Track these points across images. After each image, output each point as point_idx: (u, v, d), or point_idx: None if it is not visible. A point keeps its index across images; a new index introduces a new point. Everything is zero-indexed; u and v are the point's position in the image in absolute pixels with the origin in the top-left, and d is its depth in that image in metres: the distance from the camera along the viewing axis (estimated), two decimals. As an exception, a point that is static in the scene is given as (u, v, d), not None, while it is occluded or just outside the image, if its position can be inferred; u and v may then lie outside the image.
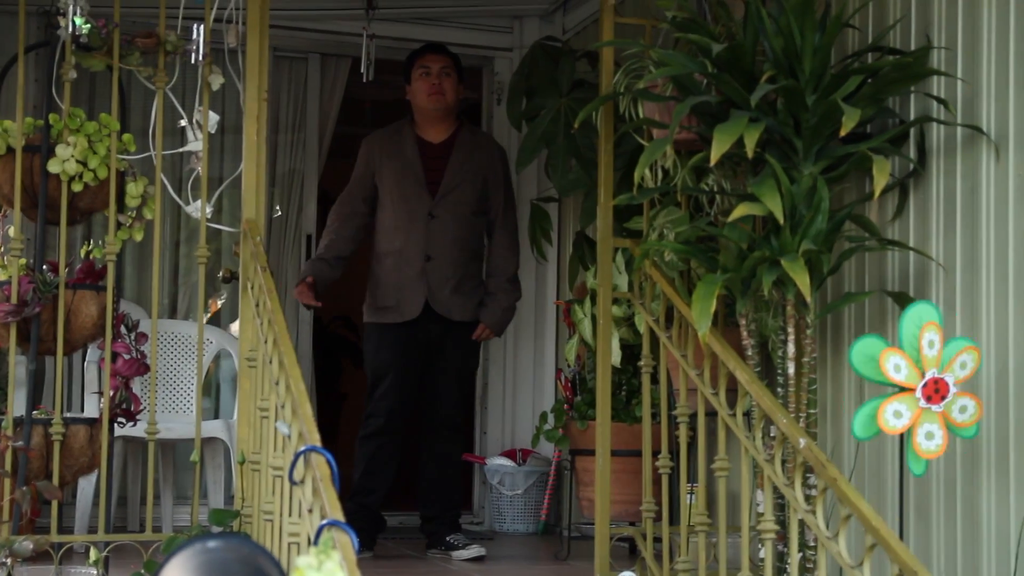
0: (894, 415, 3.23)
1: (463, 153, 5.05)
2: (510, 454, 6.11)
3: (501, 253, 5.18)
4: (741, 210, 3.60)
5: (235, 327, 5.45)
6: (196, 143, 4.14)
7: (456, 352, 5.11)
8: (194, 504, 4.04)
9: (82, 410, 5.49)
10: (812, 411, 3.78)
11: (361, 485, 4.98)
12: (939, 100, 3.78)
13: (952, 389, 3.26)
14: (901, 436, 3.30)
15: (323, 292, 5.06)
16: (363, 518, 4.85)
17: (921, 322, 3.26)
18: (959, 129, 3.74)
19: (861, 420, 3.26)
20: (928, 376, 3.25)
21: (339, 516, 2.61)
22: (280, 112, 6.25)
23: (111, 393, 4.01)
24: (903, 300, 3.69)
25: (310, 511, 2.80)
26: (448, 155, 5.04)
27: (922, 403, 3.26)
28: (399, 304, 4.96)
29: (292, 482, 2.87)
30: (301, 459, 2.83)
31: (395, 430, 5.05)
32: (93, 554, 3.87)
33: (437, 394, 5.11)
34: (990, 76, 3.64)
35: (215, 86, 4.10)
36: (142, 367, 4.07)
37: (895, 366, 3.23)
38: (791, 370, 3.77)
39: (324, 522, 2.55)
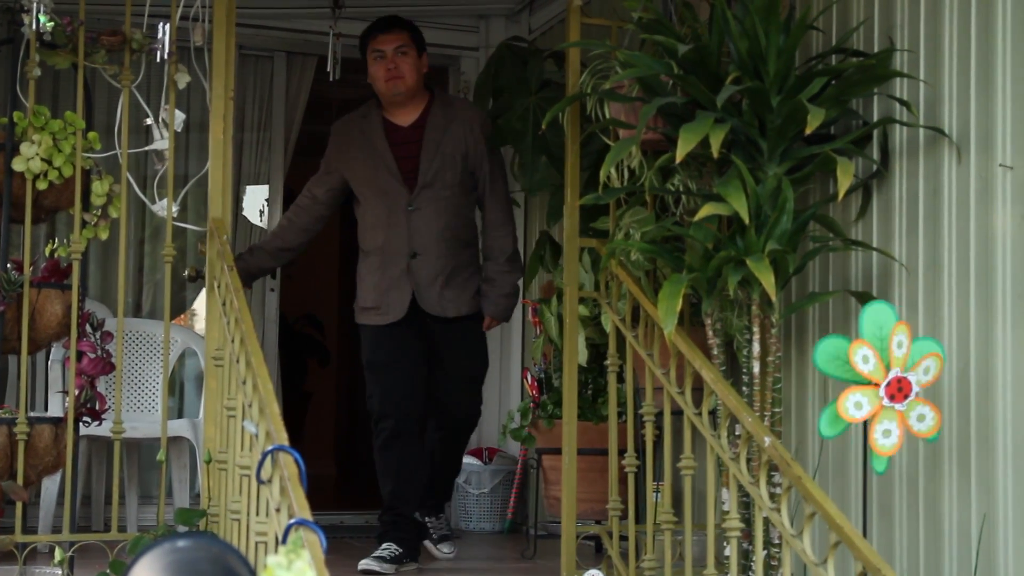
0: (855, 406, 3.26)
1: (436, 132, 4.57)
2: (476, 453, 6.12)
3: (494, 231, 4.74)
4: (707, 210, 3.62)
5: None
6: (162, 142, 4.13)
7: (457, 352, 4.70)
8: (160, 503, 4.03)
9: (46, 409, 5.46)
10: (777, 410, 3.81)
11: (393, 496, 4.59)
12: (902, 102, 3.81)
13: (915, 390, 3.29)
14: (865, 436, 3.34)
15: (249, 283, 4.89)
16: (402, 528, 4.57)
17: (880, 322, 3.29)
18: (921, 131, 3.78)
19: (827, 418, 3.29)
20: (892, 374, 3.29)
21: (307, 515, 2.61)
22: (246, 111, 6.24)
23: (76, 392, 3.99)
24: (866, 300, 3.73)
25: (278, 510, 2.80)
26: (420, 138, 4.58)
27: (885, 401, 3.29)
28: (383, 305, 4.59)
29: (260, 481, 2.87)
30: (269, 458, 2.83)
31: (411, 432, 4.62)
32: (58, 554, 3.85)
33: (446, 399, 4.71)
34: (952, 78, 3.69)
35: (181, 85, 4.09)
36: (107, 366, 4.05)
37: (863, 357, 3.26)
38: (756, 369, 3.80)
39: (292, 521, 2.55)
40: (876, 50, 3.95)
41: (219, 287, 3.76)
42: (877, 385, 3.28)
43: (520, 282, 4.91)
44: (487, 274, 4.71)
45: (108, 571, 3.74)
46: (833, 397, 3.34)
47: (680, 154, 3.52)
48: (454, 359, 4.68)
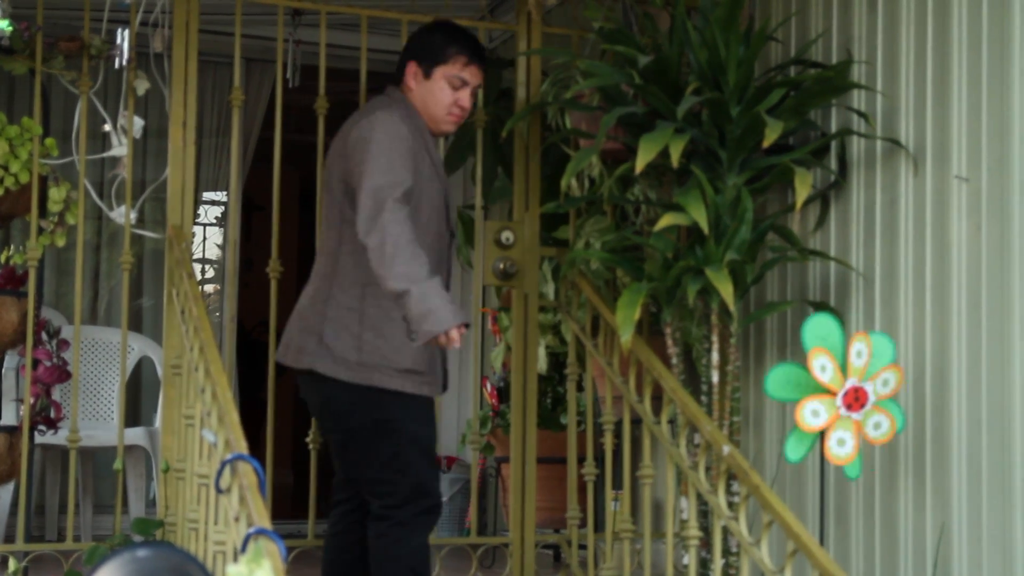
0: (812, 413, 3.29)
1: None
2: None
3: None
4: (667, 220, 3.64)
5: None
6: (120, 148, 4.09)
7: None
8: (116, 513, 4.00)
9: (0, 418, 5.40)
10: (735, 419, 3.83)
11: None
12: (859, 113, 3.85)
13: (871, 399, 3.33)
14: (822, 446, 3.36)
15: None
16: None
17: (823, 334, 3.31)
18: (879, 142, 3.81)
19: (792, 442, 3.31)
20: (849, 384, 3.31)
21: (266, 524, 2.60)
22: (204, 117, 6.21)
23: (32, 400, 3.95)
24: (824, 310, 3.76)
25: (237, 519, 2.78)
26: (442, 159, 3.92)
27: (842, 410, 3.32)
28: (432, 371, 3.58)
29: (219, 490, 2.85)
30: (228, 467, 2.81)
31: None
32: (12, 564, 3.81)
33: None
34: (908, 90, 3.73)
35: (140, 91, 4.07)
36: (63, 374, 4.02)
37: (821, 366, 3.29)
38: (715, 378, 3.82)
39: (251, 530, 2.54)
40: (834, 62, 3.98)
41: (178, 295, 3.74)
42: (834, 394, 3.31)
43: None
44: None
45: (64, 581, 3.71)
46: (790, 412, 3.36)
47: (640, 164, 3.54)
48: None
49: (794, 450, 3.33)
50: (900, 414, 3.39)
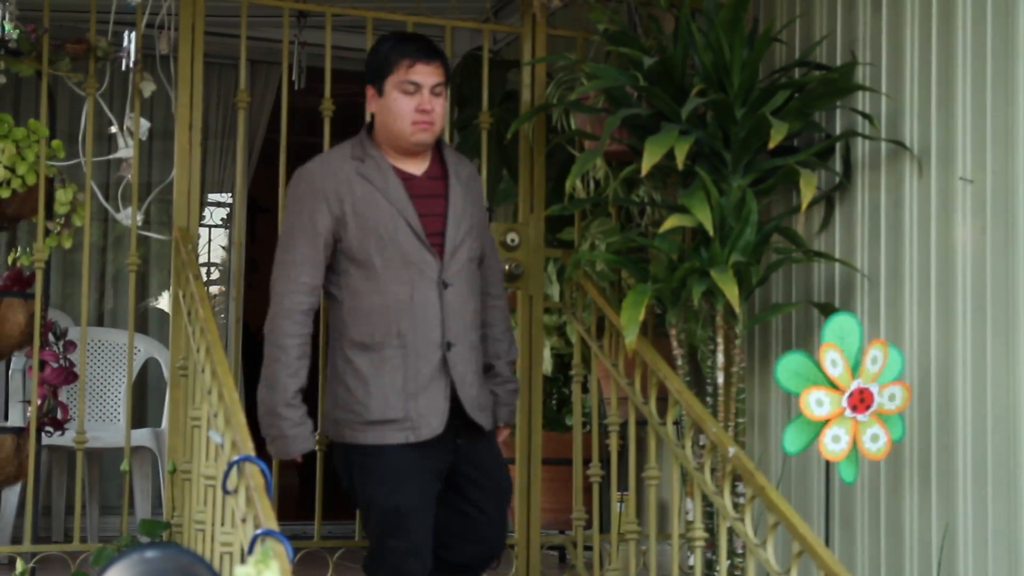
0: (816, 403, 3.29)
1: (460, 186, 3.43)
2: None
3: (500, 314, 3.61)
4: (671, 221, 3.65)
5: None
6: (127, 150, 4.11)
7: (488, 473, 3.47)
8: (123, 514, 4.01)
9: (7, 419, 5.42)
10: (741, 420, 3.84)
11: None
12: (864, 115, 3.86)
13: (876, 392, 3.32)
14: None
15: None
16: None
17: (842, 333, 3.32)
18: (883, 144, 3.82)
19: (791, 434, 3.32)
20: (856, 384, 3.31)
21: (273, 525, 2.61)
22: (209, 119, 6.22)
23: (39, 402, 3.96)
24: (829, 311, 3.77)
25: (244, 521, 2.79)
26: (444, 192, 3.41)
27: (848, 412, 3.31)
28: (411, 415, 3.28)
29: (225, 492, 2.86)
30: (235, 468, 2.82)
31: None
32: (19, 566, 3.82)
33: (471, 536, 3.46)
34: (913, 92, 3.73)
35: (146, 93, 4.08)
36: (70, 376, 4.03)
37: (832, 361, 3.29)
38: (720, 379, 3.82)
39: (259, 531, 2.54)
40: (839, 64, 3.99)
41: (184, 297, 3.75)
42: (841, 392, 3.31)
43: None
44: (502, 373, 3.56)
45: (71, 582, 3.71)
46: (796, 410, 3.36)
47: (646, 166, 3.55)
48: (485, 483, 3.44)
49: (793, 441, 3.32)
50: (901, 426, 3.38)
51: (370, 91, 3.39)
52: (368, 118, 3.50)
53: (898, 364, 3.37)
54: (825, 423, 3.29)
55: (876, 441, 3.33)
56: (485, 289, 3.52)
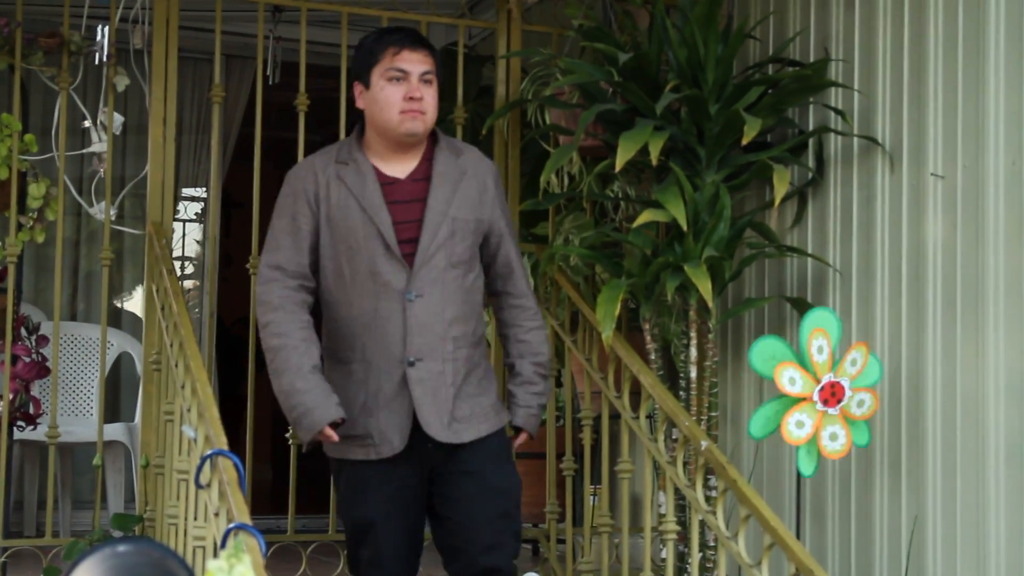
0: (796, 425, 3.32)
1: (445, 188, 3.20)
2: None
3: (522, 313, 3.36)
4: (645, 216, 3.67)
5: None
6: (100, 144, 4.09)
7: (476, 486, 3.21)
8: (96, 509, 4.00)
9: (-22, 414, 5.39)
10: (713, 414, 3.86)
11: None
12: (837, 111, 3.88)
13: (848, 392, 3.36)
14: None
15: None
16: None
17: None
18: (856, 140, 3.84)
19: (758, 421, 3.35)
20: (824, 381, 3.35)
21: (246, 519, 2.61)
22: (184, 113, 6.20)
23: (11, 396, 3.95)
24: (801, 305, 3.79)
25: (216, 515, 2.80)
26: (423, 195, 3.20)
27: (819, 406, 3.35)
28: (371, 432, 3.16)
29: (198, 486, 2.86)
30: (208, 462, 2.82)
31: None
32: (-9, 560, 3.81)
33: (467, 548, 3.21)
34: (885, 89, 3.75)
35: (120, 87, 4.06)
36: (43, 370, 4.01)
37: (790, 379, 3.31)
38: (693, 374, 3.84)
39: (232, 525, 2.55)
40: (812, 60, 4.01)
41: (158, 291, 3.74)
42: (810, 398, 3.33)
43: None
44: (522, 373, 3.30)
45: (43, 577, 3.70)
46: (768, 400, 3.38)
47: (620, 161, 3.56)
48: (473, 495, 3.20)
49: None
50: (867, 433, 3.41)
51: (357, 88, 3.23)
52: (355, 127, 3.34)
53: (875, 372, 3.41)
54: (792, 406, 3.32)
55: (835, 440, 3.36)
56: (503, 288, 3.33)
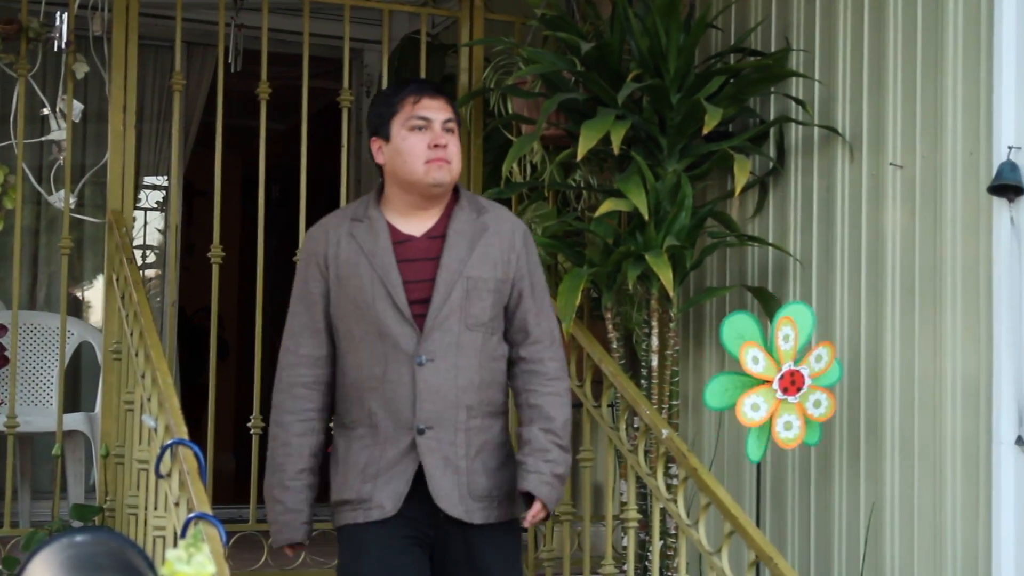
0: (752, 408, 3.35)
1: (461, 246, 2.98)
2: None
3: (542, 378, 3.02)
4: (607, 206, 3.67)
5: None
6: (59, 132, 4.06)
7: (497, 564, 2.98)
8: (55, 498, 3.98)
9: (-64, 404, 5.34)
10: (674, 402, 3.87)
11: None
12: (797, 101, 3.90)
13: (808, 382, 3.39)
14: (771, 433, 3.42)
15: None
16: None
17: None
18: (816, 129, 3.87)
19: (714, 389, 3.38)
20: (784, 369, 3.38)
21: (206, 509, 2.61)
22: (145, 101, 6.15)
23: (-31, 386, 3.92)
24: (762, 295, 3.82)
25: (177, 504, 2.79)
26: (438, 254, 2.98)
27: (779, 395, 3.38)
28: (368, 496, 2.94)
29: (159, 476, 2.85)
30: (168, 452, 2.81)
31: None
32: (-51, 551, 3.78)
33: None
34: (845, 79, 3.78)
35: (79, 75, 4.03)
36: (1, 359, 3.98)
37: (753, 358, 3.35)
38: (654, 362, 3.86)
39: (192, 515, 2.54)
40: (773, 50, 4.03)
41: (118, 280, 3.72)
42: (771, 383, 3.37)
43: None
44: (532, 440, 2.97)
45: (1, 567, 3.68)
46: (728, 371, 3.41)
47: (582, 150, 3.57)
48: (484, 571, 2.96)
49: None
50: (818, 433, 3.46)
51: (375, 144, 3.02)
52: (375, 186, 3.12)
53: (836, 374, 3.46)
54: (750, 388, 3.35)
55: (789, 429, 3.40)
56: (517, 354, 3.01)
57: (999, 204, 3.24)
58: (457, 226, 2.99)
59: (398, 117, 3.00)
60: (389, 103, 3.03)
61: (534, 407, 3.00)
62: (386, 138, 3.00)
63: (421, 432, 2.90)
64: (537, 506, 2.91)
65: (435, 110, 2.99)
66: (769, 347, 3.38)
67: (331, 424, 3.04)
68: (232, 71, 5.40)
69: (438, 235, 3.00)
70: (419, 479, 2.90)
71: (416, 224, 3.00)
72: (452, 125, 3.00)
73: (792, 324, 3.37)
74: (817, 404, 3.43)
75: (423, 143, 2.96)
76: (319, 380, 2.99)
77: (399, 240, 2.98)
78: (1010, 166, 3.20)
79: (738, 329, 3.38)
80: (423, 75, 4.43)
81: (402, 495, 2.91)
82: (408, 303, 2.92)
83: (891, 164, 3.58)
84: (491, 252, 2.98)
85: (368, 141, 3.07)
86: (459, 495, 2.91)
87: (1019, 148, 3.21)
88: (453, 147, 2.98)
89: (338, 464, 2.99)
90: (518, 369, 3.03)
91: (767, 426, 3.38)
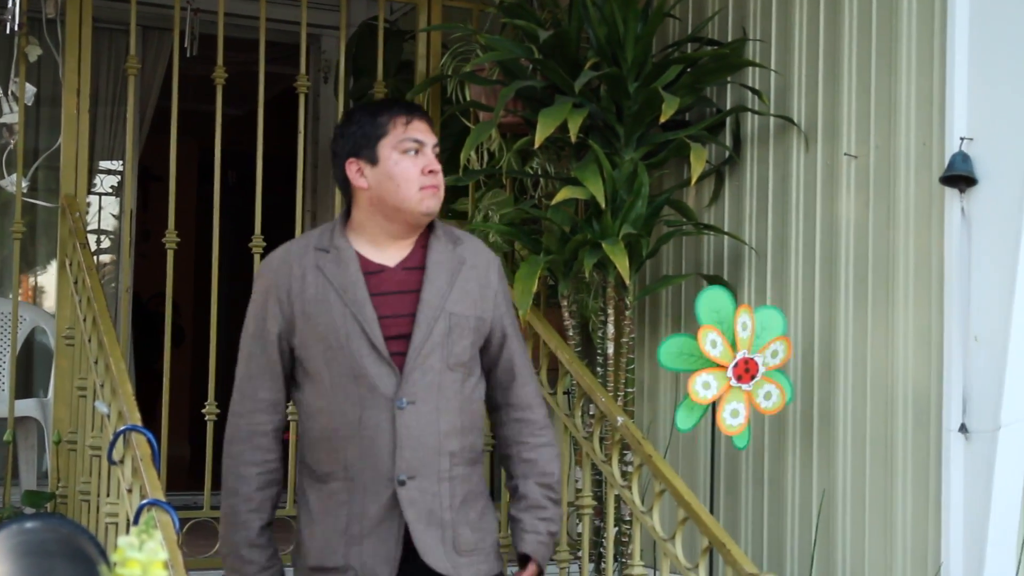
0: (703, 385, 3.38)
1: (441, 280, 2.74)
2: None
3: (529, 427, 2.80)
4: (564, 193, 3.68)
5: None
6: (11, 115, 4.02)
7: None
8: (6, 485, 3.94)
9: None
10: (630, 390, 3.89)
11: None
12: (753, 91, 3.92)
13: (761, 370, 3.42)
14: (713, 417, 3.44)
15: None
16: None
17: (717, 306, 3.41)
18: (772, 119, 3.89)
19: (683, 411, 3.40)
20: (739, 356, 3.40)
21: (159, 495, 2.60)
22: (99, 85, 6.09)
23: (-81, 372, 3.88)
24: (718, 283, 3.84)
25: (129, 491, 2.77)
26: (417, 287, 2.73)
27: (732, 381, 3.40)
28: (353, 563, 2.67)
29: (111, 462, 2.83)
30: (121, 439, 2.80)
31: None
32: (-101, 538, 3.74)
33: None
34: (801, 69, 3.80)
35: (32, 57, 3.99)
36: (-48, 345, 3.95)
37: (712, 342, 3.37)
38: (610, 350, 3.87)
39: (144, 501, 2.53)
40: (730, 39, 4.05)
41: (71, 265, 3.69)
42: (725, 367, 3.39)
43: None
44: (528, 495, 2.78)
45: (-48, 555, 3.65)
46: (684, 383, 3.43)
47: (539, 138, 3.57)
48: None
49: (684, 420, 3.41)
50: (789, 385, 3.49)
51: (353, 166, 2.72)
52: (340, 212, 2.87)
53: (777, 323, 3.48)
54: (705, 366, 3.39)
55: (769, 399, 3.43)
56: (504, 400, 2.80)
57: (951, 195, 3.28)
58: (436, 257, 2.74)
59: (388, 138, 2.72)
60: (376, 123, 2.75)
61: (528, 461, 2.79)
62: (371, 161, 2.72)
63: (402, 483, 2.64)
64: (532, 568, 2.75)
65: (426, 132, 2.75)
66: (728, 332, 3.41)
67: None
68: (188, 55, 5.36)
69: (415, 266, 2.74)
70: (404, 536, 2.65)
71: (390, 254, 2.74)
72: (438, 148, 2.77)
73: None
74: (768, 396, 3.46)
75: (416, 168, 2.71)
76: (278, 427, 2.74)
77: (371, 271, 2.72)
78: (962, 157, 3.23)
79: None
80: (380, 63, 4.41)
81: (396, 559, 2.64)
82: (384, 341, 2.66)
83: (846, 154, 3.61)
84: (470, 287, 2.75)
85: (340, 161, 2.73)
86: (444, 550, 2.67)
87: (971, 139, 3.25)
88: (440, 167, 2.74)
89: (313, 524, 2.69)
90: (505, 416, 2.80)
91: (706, 405, 3.41)
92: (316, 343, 2.67)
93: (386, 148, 2.72)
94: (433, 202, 2.70)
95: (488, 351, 2.78)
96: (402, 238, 2.73)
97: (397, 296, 2.71)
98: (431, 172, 2.70)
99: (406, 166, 2.70)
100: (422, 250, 2.75)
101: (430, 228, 2.77)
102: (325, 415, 2.68)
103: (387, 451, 2.64)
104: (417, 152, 2.71)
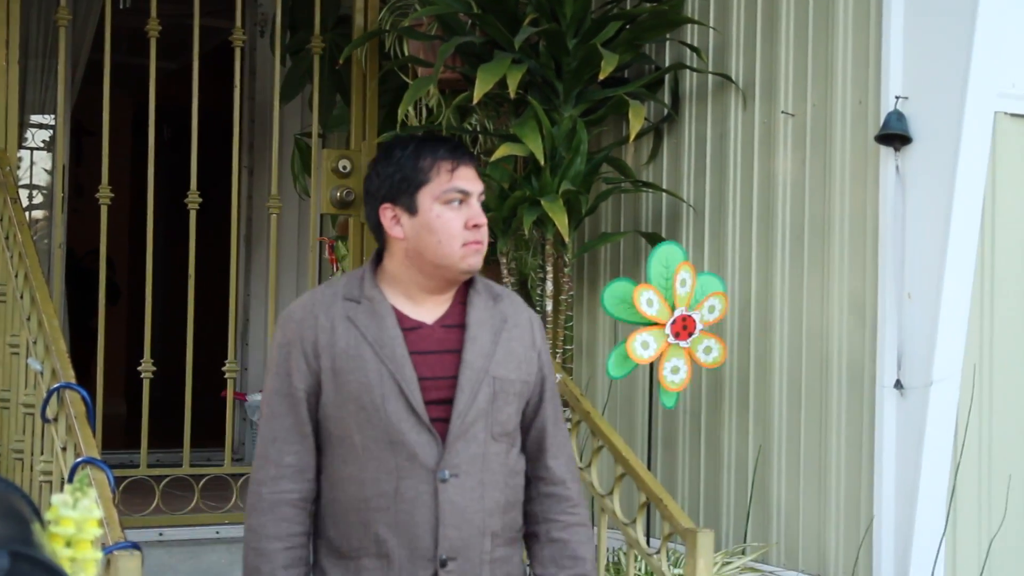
0: (642, 345, 3.40)
1: (486, 339, 2.48)
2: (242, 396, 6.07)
3: (558, 505, 2.51)
4: (503, 150, 3.67)
5: None
6: (-62, 67, 3.93)
7: None
8: (-62, 444, 3.89)
9: None
10: (568, 347, 3.91)
11: None
12: (692, 48, 3.92)
13: (699, 327, 3.45)
14: (651, 374, 3.47)
15: None
16: None
17: (669, 262, 3.44)
18: (710, 77, 3.90)
19: (615, 359, 3.42)
20: (677, 313, 3.43)
21: (94, 453, 2.57)
22: (30, 37, 5.97)
23: None
24: (656, 240, 3.85)
25: (64, 449, 2.74)
26: (459, 346, 2.47)
27: (670, 338, 3.43)
28: None
29: (45, 420, 2.80)
30: (55, 396, 2.76)
31: None
32: None
33: None
34: (739, 27, 3.81)
35: (-41, 8, 3.90)
36: None
37: (648, 300, 3.39)
38: (549, 307, 3.88)
39: (79, 460, 2.51)
40: (669, -4, 4.04)
41: (1, 220, 3.63)
42: (663, 325, 3.42)
43: None
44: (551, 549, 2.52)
45: None
46: (622, 337, 3.45)
47: (478, 94, 3.55)
48: None
49: (616, 367, 3.43)
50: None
51: (388, 212, 2.45)
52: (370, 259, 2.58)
53: (713, 281, 3.52)
54: (643, 325, 3.42)
55: (676, 373, 3.47)
56: (533, 471, 2.52)
57: (886, 153, 3.31)
58: (478, 316, 2.48)
59: (430, 187, 2.44)
60: (417, 168, 2.46)
61: (557, 542, 2.52)
62: (410, 211, 2.44)
63: (443, 564, 2.39)
64: None
65: (472, 180, 2.46)
66: (666, 290, 3.43)
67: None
68: (121, 7, 5.26)
69: (454, 324, 2.49)
70: None
71: (427, 309, 2.48)
72: (483, 196, 2.49)
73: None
74: (708, 351, 3.49)
75: (460, 221, 2.43)
76: (306, 497, 2.45)
77: (408, 327, 2.46)
78: (897, 115, 3.26)
79: (619, 295, 3.42)
80: (317, 18, 4.36)
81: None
82: (424, 405, 2.41)
83: (783, 112, 3.63)
84: (514, 348, 2.49)
85: (374, 203, 2.46)
86: None
87: (906, 98, 3.27)
88: (485, 221, 2.47)
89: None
90: (535, 491, 2.53)
91: (623, 344, 3.45)
92: (346, 403, 2.42)
93: (427, 198, 2.44)
94: (476, 259, 2.44)
95: (522, 416, 2.51)
96: (439, 293, 2.48)
97: (437, 356, 2.46)
98: (476, 227, 2.43)
99: (449, 218, 2.43)
100: (461, 306, 2.49)
101: (469, 282, 2.51)
102: (355, 484, 2.42)
103: (427, 528, 2.40)
104: (461, 203, 2.44)
